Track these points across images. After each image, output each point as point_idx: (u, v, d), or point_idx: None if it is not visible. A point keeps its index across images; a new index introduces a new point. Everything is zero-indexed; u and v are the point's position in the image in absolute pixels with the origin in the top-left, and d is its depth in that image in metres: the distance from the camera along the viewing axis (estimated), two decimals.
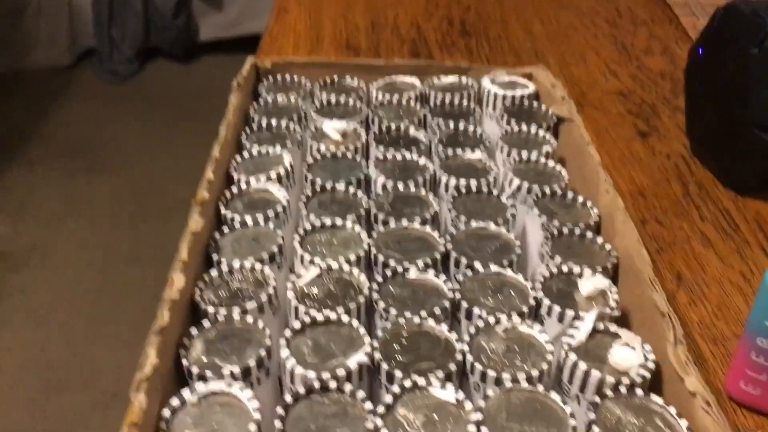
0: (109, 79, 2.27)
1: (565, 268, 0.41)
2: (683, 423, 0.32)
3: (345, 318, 0.37)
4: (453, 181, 0.47)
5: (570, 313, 0.38)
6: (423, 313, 0.37)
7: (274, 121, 0.53)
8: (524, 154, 0.51)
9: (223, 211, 0.44)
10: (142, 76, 2.33)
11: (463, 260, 0.41)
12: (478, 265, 0.41)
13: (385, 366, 0.34)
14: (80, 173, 1.89)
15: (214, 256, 0.41)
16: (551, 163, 0.50)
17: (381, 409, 0.32)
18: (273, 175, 0.47)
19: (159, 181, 1.83)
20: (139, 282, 1.47)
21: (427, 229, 0.44)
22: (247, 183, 0.47)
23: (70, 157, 1.95)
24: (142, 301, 1.41)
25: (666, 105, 0.73)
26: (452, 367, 0.34)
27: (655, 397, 0.33)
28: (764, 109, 0.55)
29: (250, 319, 0.37)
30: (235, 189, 0.46)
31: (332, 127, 0.52)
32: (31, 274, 1.53)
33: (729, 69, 0.58)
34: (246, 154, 0.50)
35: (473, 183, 0.47)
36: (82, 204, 1.77)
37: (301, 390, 0.33)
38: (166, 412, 0.32)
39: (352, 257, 0.41)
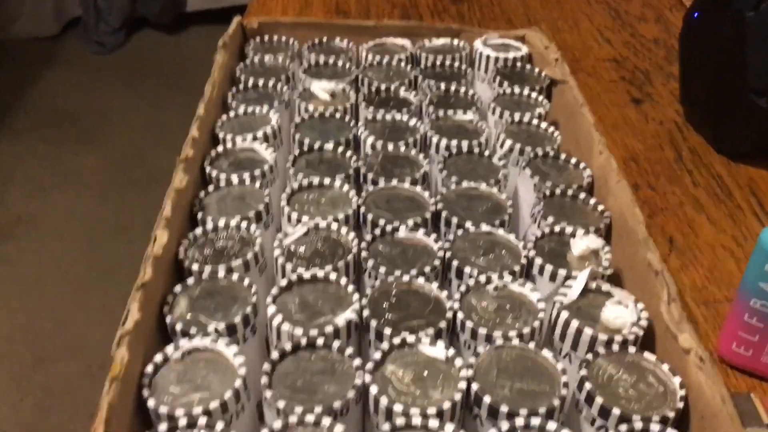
0: (96, 50, 2.23)
1: (557, 229, 0.40)
2: (676, 380, 0.32)
3: (333, 276, 0.36)
4: (444, 142, 0.46)
5: (562, 272, 0.37)
6: (413, 272, 0.36)
7: (261, 82, 0.52)
8: (516, 115, 0.50)
9: (208, 169, 0.43)
10: (128, 46, 2.30)
11: (454, 220, 0.40)
12: (468, 224, 0.40)
13: (374, 323, 0.34)
14: (66, 144, 1.86)
15: (199, 215, 0.40)
16: (544, 124, 0.49)
17: (370, 365, 0.32)
18: (260, 134, 0.46)
19: (146, 152, 1.81)
20: (126, 252, 1.46)
21: (417, 189, 0.43)
22: (233, 142, 0.45)
23: (56, 127, 1.93)
24: (129, 271, 1.39)
25: (659, 72, 0.72)
26: (442, 324, 0.34)
27: (647, 355, 0.33)
28: (759, 73, 0.54)
29: (235, 277, 0.36)
30: (220, 148, 0.45)
31: (321, 88, 0.51)
32: (17, 245, 1.52)
33: (724, 33, 0.57)
34: (232, 113, 0.49)
35: (464, 144, 0.46)
36: (69, 174, 1.75)
37: (288, 347, 0.32)
38: (149, 368, 0.31)
39: (341, 216, 0.40)
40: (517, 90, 0.53)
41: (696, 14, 0.62)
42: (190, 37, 2.31)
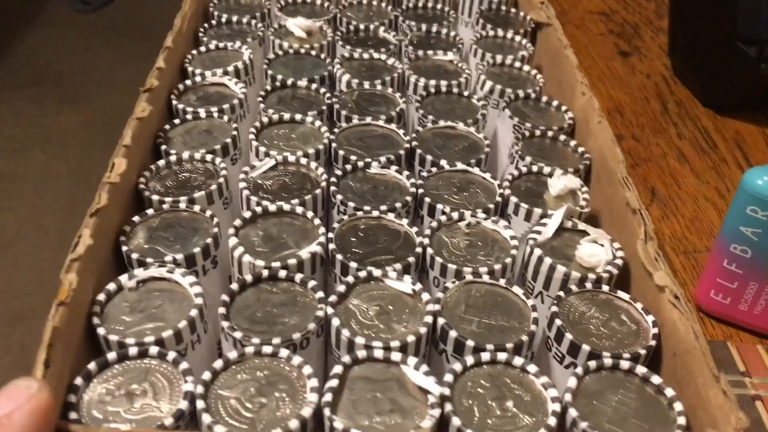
0: (80, 8, 2.18)
1: (534, 168, 0.39)
2: (649, 318, 0.31)
3: (299, 209, 0.35)
4: (422, 81, 0.45)
5: (538, 211, 0.36)
6: (383, 207, 0.35)
7: (234, 18, 0.50)
8: (498, 58, 0.48)
9: (174, 102, 0.41)
10: (114, 5, 2.24)
11: (428, 158, 0.39)
12: (443, 162, 0.39)
13: (339, 257, 0.32)
14: (48, 103, 1.83)
15: (163, 147, 0.38)
16: (526, 67, 0.48)
17: (333, 298, 0.30)
18: (230, 69, 0.44)
19: (129, 112, 1.77)
20: None
21: (392, 126, 0.41)
22: (202, 76, 0.44)
23: (38, 86, 1.89)
24: None
25: (649, 26, 0.71)
26: (410, 259, 0.32)
27: (621, 294, 0.32)
28: (749, 21, 0.52)
29: (197, 208, 0.34)
30: (188, 82, 0.43)
31: (296, 24, 0.49)
32: None
33: None
34: (203, 48, 0.47)
35: (443, 84, 0.45)
36: (50, 134, 1.72)
37: (249, 278, 0.31)
38: (101, 297, 0.29)
39: (311, 151, 0.38)
40: (500, 33, 0.51)
41: None
42: None
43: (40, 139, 1.70)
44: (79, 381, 0.26)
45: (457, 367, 0.28)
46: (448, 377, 0.27)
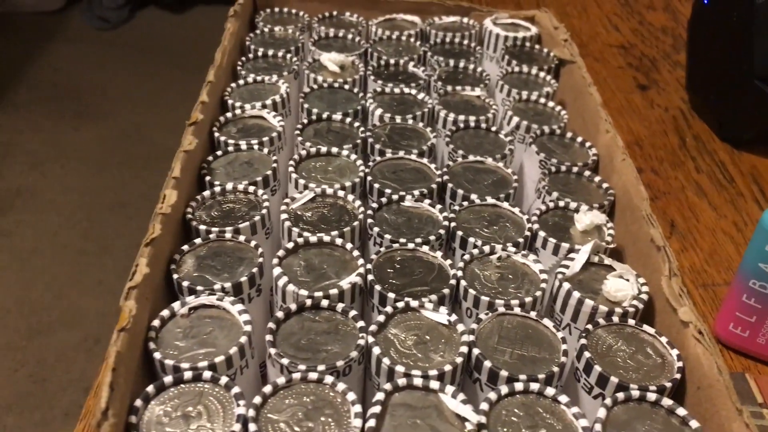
0: (99, 25, 2.23)
1: (561, 203, 0.41)
2: (674, 352, 0.32)
3: (339, 240, 0.36)
4: (451, 116, 0.47)
5: (565, 245, 0.38)
6: (418, 240, 0.37)
7: (270, 52, 0.52)
8: (524, 93, 0.50)
9: (216, 135, 0.43)
10: (132, 23, 2.29)
11: (459, 192, 0.41)
12: (474, 196, 0.40)
13: (377, 288, 0.34)
14: (67, 118, 1.86)
15: (207, 178, 0.40)
16: (551, 103, 0.50)
17: (373, 327, 0.32)
18: (268, 102, 0.46)
19: (146, 129, 1.81)
20: (124, 229, 1.46)
21: (424, 160, 0.43)
22: (242, 108, 0.46)
23: (58, 101, 1.92)
24: (126, 247, 1.40)
25: (666, 60, 0.72)
26: (445, 291, 0.34)
27: (647, 327, 0.33)
28: (766, 59, 0.54)
29: (242, 238, 0.36)
30: (229, 114, 0.45)
31: (330, 59, 0.51)
32: (15, 217, 1.52)
33: (733, 19, 0.57)
34: (241, 82, 0.49)
35: (471, 119, 0.46)
36: (68, 149, 1.75)
37: (293, 307, 0.33)
38: (156, 322, 0.31)
39: (348, 183, 0.40)
40: (525, 69, 0.53)
41: (705, 1, 0.62)
42: (195, 16, 2.31)
43: (58, 155, 1.73)
44: (138, 403, 0.28)
45: (492, 396, 0.29)
46: (484, 405, 0.29)
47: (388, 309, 0.33)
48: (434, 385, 0.30)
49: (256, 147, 0.43)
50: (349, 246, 0.36)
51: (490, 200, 0.40)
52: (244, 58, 0.52)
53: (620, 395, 0.30)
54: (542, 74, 0.53)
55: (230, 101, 0.47)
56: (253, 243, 0.36)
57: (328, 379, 0.29)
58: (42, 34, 2.18)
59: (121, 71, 2.07)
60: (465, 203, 0.40)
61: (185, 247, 0.35)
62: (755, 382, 0.41)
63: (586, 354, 0.32)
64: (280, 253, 0.35)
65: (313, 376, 0.29)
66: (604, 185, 0.43)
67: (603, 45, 0.74)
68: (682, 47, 0.67)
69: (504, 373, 0.30)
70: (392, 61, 0.53)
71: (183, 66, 2.06)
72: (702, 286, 0.47)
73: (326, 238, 0.36)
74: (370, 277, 0.35)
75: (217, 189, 0.39)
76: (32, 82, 1.99)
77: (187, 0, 2.28)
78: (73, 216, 1.55)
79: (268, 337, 0.31)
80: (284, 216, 0.38)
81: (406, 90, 0.49)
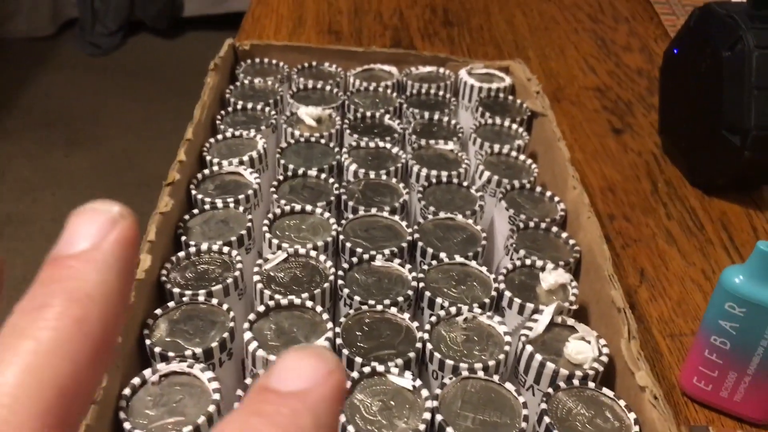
0: (91, 51, 2.24)
1: (528, 261, 0.42)
2: (632, 416, 0.33)
3: (309, 303, 0.37)
4: (424, 171, 0.48)
5: (530, 305, 0.39)
6: (386, 301, 0.38)
7: (249, 105, 0.54)
8: (496, 147, 0.51)
9: (193, 192, 0.45)
10: (124, 49, 2.30)
11: (429, 250, 0.42)
12: (443, 255, 0.41)
13: (345, 351, 0.35)
14: (58, 145, 1.87)
15: (182, 237, 0.41)
16: (522, 156, 0.51)
17: None
18: (245, 158, 0.47)
19: (138, 156, 1.82)
20: None
21: (396, 217, 0.44)
22: (219, 165, 0.47)
23: (49, 128, 1.93)
24: None
25: (641, 103, 0.74)
26: (411, 354, 0.35)
27: (606, 390, 0.34)
28: (733, 110, 0.56)
29: (215, 301, 0.37)
30: (206, 171, 0.47)
31: (307, 113, 0.52)
32: (5, 245, 1.52)
33: (702, 70, 0.59)
34: (220, 136, 0.50)
35: (443, 174, 0.48)
36: (60, 176, 1.76)
37: (262, 372, 0.33)
38: (127, 391, 0.32)
39: (320, 243, 0.41)
40: (498, 121, 0.54)
41: (676, 50, 0.63)
42: (186, 42, 2.33)
43: (50, 182, 1.74)
44: None
45: None
46: None
47: (355, 374, 0.34)
48: None
49: (231, 205, 0.44)
50: (318, 309, 0.37)
51: (458, 259, 0.41)
52: (223, 112, 0.53)
53: None
54: (515, 126, 0.54)
55: (208, 157, 0.48)
56: (225, 306, 0.37)
57: None
58: (34, 60, 2.19)
59: (112, 97, 2.08)
60: (434, 262, 0.41)
61: (158, 311, 0.36)
62: None
63: (546, 419, 0.33)
64: (251, 317, 0.36)
65: None
66: (571, 242, 0.44)
67: (579, 88, 0.76)
68: (656, 90, 0.68)
69: None
70: (368, 114, 0.54)
71: (175, 92, 2.07)
72: (669, 336, 0.48)
73: (297, 301, 0.37)
74: (338, 340, 0.36)
75: (192, 250, 0.40)
76: (24, 108, 2.00)
77: (179, 26, 2.30)
78: None
79: (236, 405, 0.32)
80: (257, 278, 0.39)
81: (381, 144, 0.51)
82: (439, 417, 0.32)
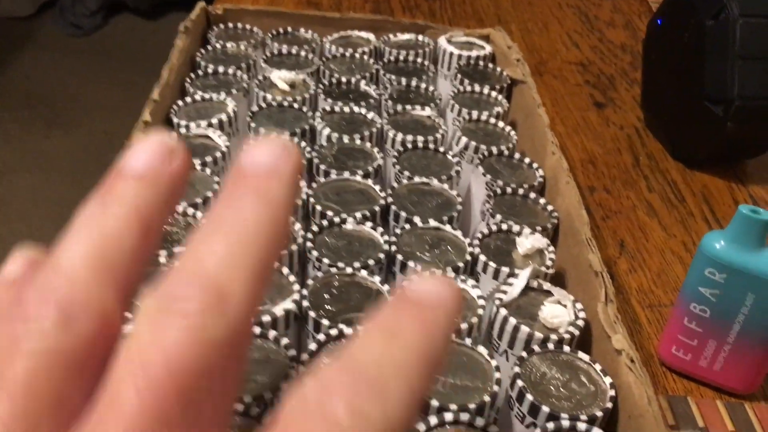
0: (72, 32, 2.21)
1: (504, 227, 0.41)
2: (607, 380, 0.32)
3: (275, 264, 0.36)
4: (399, 137, 0.46)
5: (505, 270, 0.37)
6: (356, 264, 0.37)
7: (221, 68, 0.52)
8: (474, 113, 0.50)
9: None
10: (105, 30, 2.27)
11: (403, 214, 0.40)
12: (417, 219, 0.40)
13: (312, 314, 0.34)
14: (37, 126, 1.84)
15: None
16: (501, 124, 0.50)
17: (305, 356, 0.32)
18: (214, 121, 0.45)
19: (118, 137, 1.79)
20: None
21: (369, 182, 0.43)
22: (187, 127, 0.45)
23: (28, 109, 1.90)
24: None
25: (624, 77, 0.73)
26: None
27: (582, 354, 0.33)
28: (716, 81, 0.55)
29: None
30: (173, 133, 0.45)
31: (280, 77, 0.50)
32: None
33: (685, 40, 0.58)
34: (188, 99, 0.48)
35: (420, 139, 0.46)
36: (38, 157, 1.73)
37: None
38: None
39: None
40: (477, 88, 0.53)
41: (659, 21, 0.62)
42: (168, 23, 2.29)
43: (28, 163, 1.71)
44: None
45: (422, 427, 0.29)
46: None
47: (321, 337, 0.33)
48: None
49: (198, 167, 0.42)
50: (285, 271, 0.36)
51: (432, 223, 0.40)
52: (193, 75, 0.51)
53: (550, 425, 0.30)
54: (494, 94, 0.53)
55: (176, 120, 0.46)
56: None
57: (254, 410, 0.29)
58: (13, 40, 2.15)
59: (93, 78, 2.05)
60: (407, 226, 0.40)
61: None
62: (697, 405, 0.41)
63: (519, 383, 0.31)
64: None
65: (238, 408, 0.29)
66: (549, 208, 0.43)
67: (562, 62, 0.74)
68: (639, 65, 0.67)
69: (435, 403, 0.30)
70: (344, 80, 0.52)
71: (155, 72, 2.02)
72: (649, 306, 0.47)
73: None
74: (305, 303, 0.34)
75: None
76: (2, 89, 1.96)
77: (161, 6, 2.27)
78: (42, 225, 1.53)
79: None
80: None
81: (356, 109, 0.49)
82: None
